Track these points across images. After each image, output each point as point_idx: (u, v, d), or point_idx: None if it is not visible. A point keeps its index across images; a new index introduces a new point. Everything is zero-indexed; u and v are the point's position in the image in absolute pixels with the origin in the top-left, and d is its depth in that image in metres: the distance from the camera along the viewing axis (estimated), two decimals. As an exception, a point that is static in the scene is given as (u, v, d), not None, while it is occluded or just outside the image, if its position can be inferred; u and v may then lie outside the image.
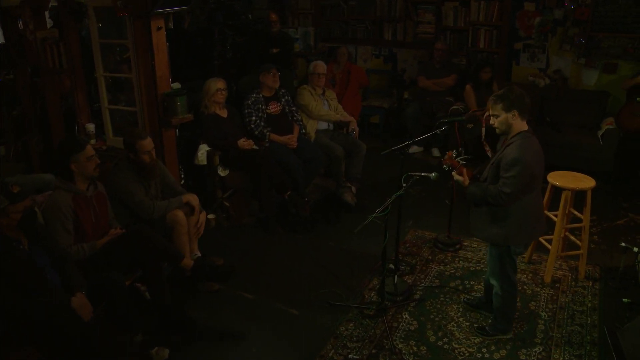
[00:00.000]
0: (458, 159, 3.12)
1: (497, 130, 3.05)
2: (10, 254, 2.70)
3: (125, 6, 3.81)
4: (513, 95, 2.94)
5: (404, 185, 3.32)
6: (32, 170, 4.73)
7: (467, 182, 3.08)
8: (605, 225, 4.67)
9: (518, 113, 2.93)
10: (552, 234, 3.78)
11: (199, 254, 3.97)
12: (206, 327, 3.38)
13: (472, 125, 5.51)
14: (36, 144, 4.77)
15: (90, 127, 4.53)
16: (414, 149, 6.51)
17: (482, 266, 4.07)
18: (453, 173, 3.12)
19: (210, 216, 4.64)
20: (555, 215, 3.79)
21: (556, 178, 3.78)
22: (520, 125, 2.97)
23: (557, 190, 3.78)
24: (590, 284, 3.83)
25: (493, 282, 3.22)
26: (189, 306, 3.59)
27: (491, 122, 3.05)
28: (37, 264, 2.80)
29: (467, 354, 3.16)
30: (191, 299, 3.69)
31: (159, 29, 3.98)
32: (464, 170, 3.10)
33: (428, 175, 3.28)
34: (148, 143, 3.58)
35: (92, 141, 4.51)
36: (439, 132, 3.76)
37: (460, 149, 4.45)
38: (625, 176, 5.37)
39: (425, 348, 3.22)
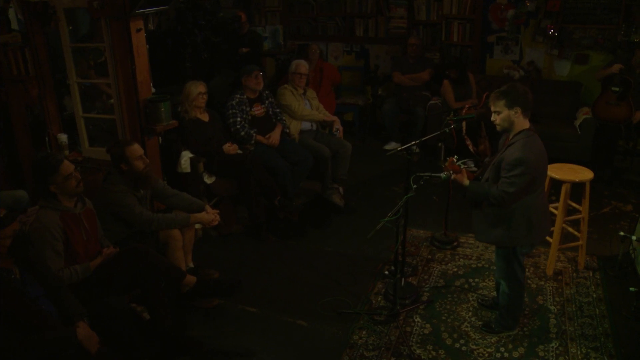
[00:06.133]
0: (459, 163, 3.04)
1: (498, 128, 2.99)
2: (2, 286, 2.43)
3: (102, 7, 3.53)
4: (516, 92, 2.87)
5: (414, 186, 3.22)
6: (-2, 187, 4.36)
7: (466, 181, 3.00)
8: (592, 214, 4.73)
9: (521, 110, 2.87)
10: (552, 227, 3.79)
11: (191, 266, 3.77)
12: (212, 346, 3.18)
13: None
14: (0, 158, 4.39)
15: (63, 137, 4.21)
16: (392, 145, 6.46)
17: (483, 262, 4.04)
18: (453, 176, 3.03)
19: (197, 226, 4.40)
20: (555, 208, 3.80)
21: (554, 171, 3.78)
22: (522, 123, 2.90)
23: (554, 182, 3.79)
24: (591, 274, 3.86)
25: (500, 280, 3.18)
26: (190, 325, 3.38)
27: (492, 118, 2.98)
28: (31, 294, 2.54)
29: (486, 355, 3.10)
30: (191, 316, 3.47)
31: (139, 30, 3.72)
32: (464, 170, 3.03)
33: (438, 175, 3.19)
34: (138, 148, 3.39)
35: (66, 152, 4.20)
36: (447, 130, 3.69)
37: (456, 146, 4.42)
38: (602, 165, 5.48)
39: (443, 352, 3.14)
